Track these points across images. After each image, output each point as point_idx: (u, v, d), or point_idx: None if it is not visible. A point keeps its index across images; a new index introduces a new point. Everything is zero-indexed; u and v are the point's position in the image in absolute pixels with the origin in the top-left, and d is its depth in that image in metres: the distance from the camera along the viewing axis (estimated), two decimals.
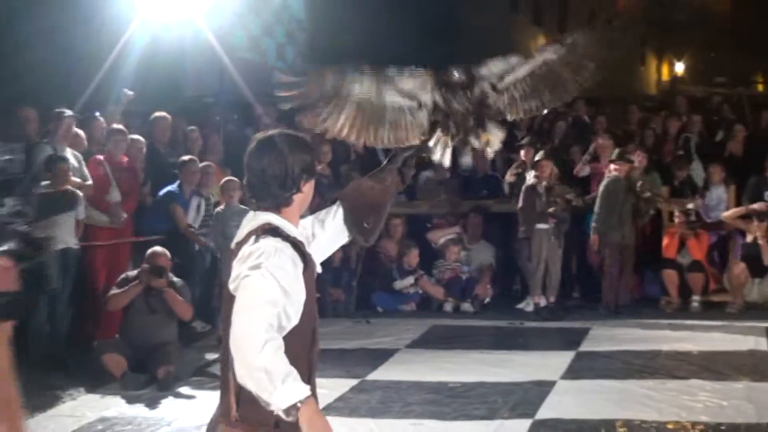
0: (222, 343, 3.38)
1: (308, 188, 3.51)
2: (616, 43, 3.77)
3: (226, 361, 3.29)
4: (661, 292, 11.92)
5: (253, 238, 3.35)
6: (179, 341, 9.25)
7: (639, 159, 12.19)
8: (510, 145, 13.57)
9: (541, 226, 11.48)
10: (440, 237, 12.22)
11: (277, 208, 3.45)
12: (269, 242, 3.32)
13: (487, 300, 12.09)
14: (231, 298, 3.31)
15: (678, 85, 38.66)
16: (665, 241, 11.88)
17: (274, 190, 3.42)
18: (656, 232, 12.20)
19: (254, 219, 3.46)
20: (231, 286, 3.32)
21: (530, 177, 11.63)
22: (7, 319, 2.01)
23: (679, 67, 42.72)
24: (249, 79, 14.03)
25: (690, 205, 11.69)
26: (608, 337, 10.28)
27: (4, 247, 2.09)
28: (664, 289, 11.86)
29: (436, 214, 12.79)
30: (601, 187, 11.70)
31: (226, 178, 10.73)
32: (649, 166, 12.32)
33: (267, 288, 3.23)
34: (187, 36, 14.50)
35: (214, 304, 10.53)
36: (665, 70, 45.11)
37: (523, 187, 11.66)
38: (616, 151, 11.80)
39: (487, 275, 12.17)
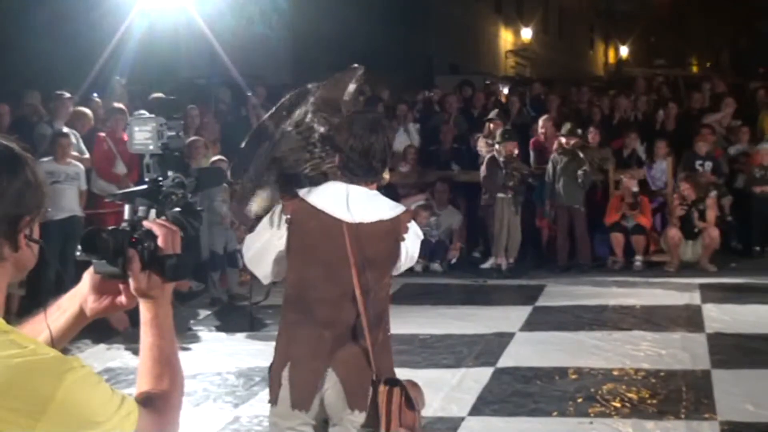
0: (365, 306, 3.42)
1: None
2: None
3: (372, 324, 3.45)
4: (608, 253, 11.98)
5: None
6: (175, 299, 9.19)
7: (592, 135, 12.25)
8: (474, 120, 13.65)
9: (502, 195, 11.50)
10: (411, 203, 12.21)
11: (371, 182, 3.54)
12: None
13: (454, 261, 12.10)
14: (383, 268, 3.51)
15: (623, 66, 38.73)
16: (609, 209, 11.94)
17: (376, 165, 3.49)
18: (605, 199, 12.23)
19: (356, 192, 3.48)
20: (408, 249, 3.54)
21: (497, 149, 11.61)
22: (173, 280, 2.00)
23: (624, 51, 42.80)
24: (238, 62, 13.92)
25: (635, 188, 11.73)
26: (561, 293, 10.33)
27: (172, 214, 2.09)
28: (610, 250, 11.92)
29: (407, 182, 12.77)
30: (552, 157, 11.78)
31: (217, 158, 10.57)
32: (601, 140, 12.36)
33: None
34: (181, 23, 14.38)
35: (206, 267, 10.46)
36: (611, 53, 45.18)
37: (486, 159, 11.64)
38: (567, 125, 11.85)
39: (457, 238, 12.19)
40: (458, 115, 13.85)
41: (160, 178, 2.17)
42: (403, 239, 3.50)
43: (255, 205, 3.69)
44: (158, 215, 2.10)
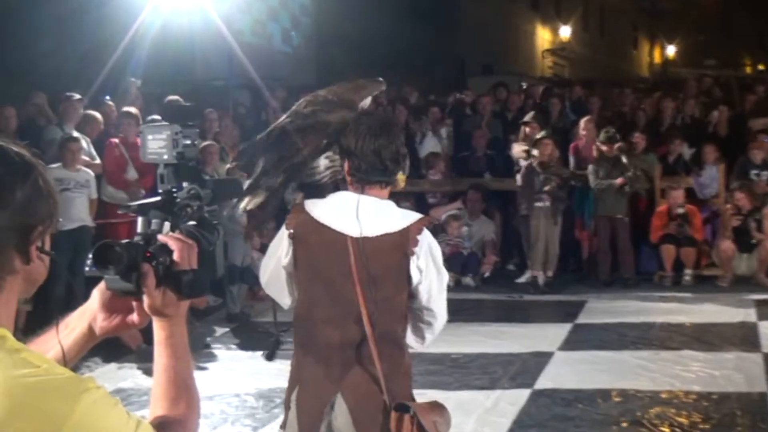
0: (372, 325, 3.36)
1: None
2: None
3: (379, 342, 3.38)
4: (656, 267, 11.89)
5: (424, 230, 3.46)
6: (190, 314, 9.21)
7: (637, 140, 12.20)
8: (510, 124, 13.61)
9: (539, 204, 11.45)
10: (442, 213, 12.18)
11: (384, 187, 3.49)
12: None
13: (487, 274, 12.06)
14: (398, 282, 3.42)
15: (669, 67, 38.53)
16: (654, 221, 11.85)
17: (389, 165, 3.46)
18: (651, 209, 12.15)
19: (366, 203, 3.43)
20: (422, 268, 3.44)
21: (533, 154, 11.58)
22: (189, 297, 2.00)
23: (670, 51, 42.55)
24: (257, 63, 13.99)
25: (680, 209, 11.66)
26: (604, 309, 10.26)
27: (187, 227, 2.09)
28: (658, 263, 11.84)
29: (437, 191, 12.76)
30: (590, 167, 11.78)
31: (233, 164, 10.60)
32: (647, 146, 12.29)
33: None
34: (197, 21, 14.46)
35: (224, 281, 10.49)
36: (657, 53, 44.98)
37: (522, 168, 11.61)
38: (604, 132, 11.79)
39: (490, 250, 12.15)
40: (492, 119, 13.82)
41: (175, 190, 2.16)
42: (412, 253, 3.39)
43: (244, 203, 3.70)
44: (173, 228, 2.09)
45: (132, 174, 10.25)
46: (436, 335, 3.65)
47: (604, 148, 11.68)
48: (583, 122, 12.57)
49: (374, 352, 3.34)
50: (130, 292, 1.99)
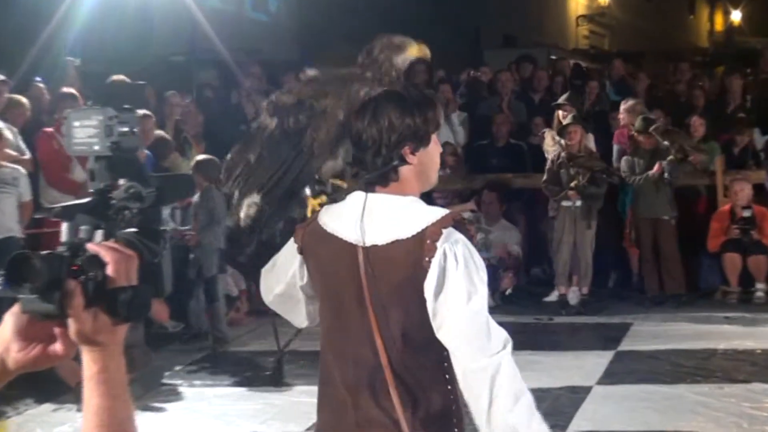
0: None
1: (421, 158, 3.43)
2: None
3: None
4: (718, 281, 11.88)
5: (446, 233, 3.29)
6: (146, 344, 9.23)
7: (695, 126, 12.21)
8: (537, 108, 13.63)
9: (567, 203, 11.47)
10: None
11: (384, 184, 3.41)
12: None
13: (509, 291, 12.06)
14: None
15: (734, 36, 38.54)
16: (713, 224, 11.82)
17: (372, 159, 3.40)
18: (711, 210, 12.14)
19: (375, 203, 3.39)
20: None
21: (561, 142, 11.64)
22: (129, 320, 1.99)
23: (736, 16, 42.49)
24: (225, 35, 13.99)
25: (746, 210, 11.64)
26: (653, 333, 10.28)
27: (125, 235, 2.08)
28: (721, 276, 11.83)
29: (447, 190, 12.75)
30: (623, 161, 11.93)
31: (201, 157, 10.57)
32: (707, 133, 12.30)
33: None
34: None
35: (189, 302, 10.50)
36: (719, 19, 44.96)
37: (549, 158, 11.66)
38: (640, 120, 11.78)
39: (512, 262, 12.15)
40: (515, 101, 13.84)
41: (109, 188, 2.14)
42: (428, 265, 3.25)
43: (242, 212, 3.80)
44: (107, 237, 2.07)
45: (79, 174, 10.22)
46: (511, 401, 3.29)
47: (640, 138, 11.72)
48: (625, 105, 12.53)
49: (394, 392, 3.29)
50: (51, 315, 1.97)
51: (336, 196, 3.79)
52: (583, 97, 13.75)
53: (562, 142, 11.56)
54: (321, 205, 3.77)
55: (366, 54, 4.00)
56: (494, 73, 14.98)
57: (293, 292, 3.58)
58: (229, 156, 4.07)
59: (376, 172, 3.39)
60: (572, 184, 11.40)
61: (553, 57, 20.26)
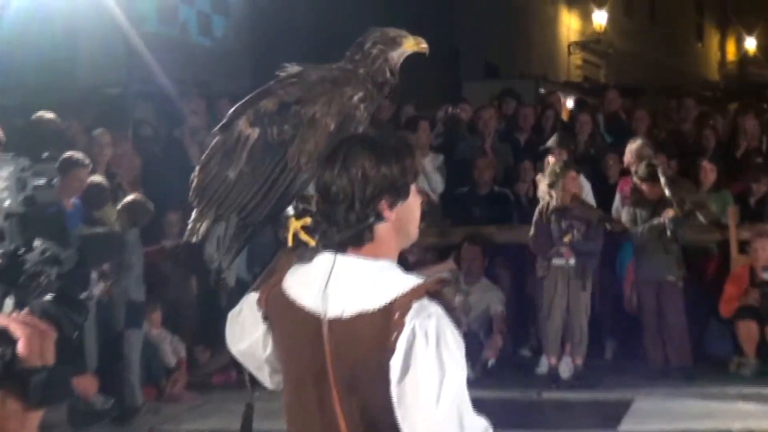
0: None
1: (400, 213, 3.44)
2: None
3: None
4: (731, 351, 11.90)
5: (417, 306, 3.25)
6: (69, 424, 9.16)
7: (704, 172, 12.25)
8: (523, 150, 13.66)
9: (558, 261, 11.48)
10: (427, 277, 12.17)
11: (358, 249, 3.40)
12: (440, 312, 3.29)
13: (492, 362, 12.04)
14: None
15: (749, 67, 38.91)
16: (728, 287, 11.84)
17: (346, 216, 3.38)
18: (724, 271, 12.17)
19: (343, 267, 3.36)
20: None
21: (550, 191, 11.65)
22: (40, 407, 1.95)
23: (750, 44, 42.90)
24: (166, 63, 13.98)
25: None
26: (657, 411, 10.29)
27: (40, 305, 2.04)
28: (735, 345, 11.84)
29: (420, 245, 12.75)
30: (623, 211, 11.97)
31: (130, 198, 10.55)
32: (718, 180, 12.35)
33: None
34: (81, 4, 14.45)
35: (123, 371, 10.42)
36: (731, 47, 45.35)
37: (537, 208, 11.68)
38: (643, 166, 11.82)
39: (496, 328, 12.13)
40: (499, 142, 13.87)
41: (22, 251, 2.12)
42: (394, 344, 3.22)
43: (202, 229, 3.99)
44: (18, 306, 2.05)
45: None
46: None
47: (644, 187, 11.74)
48: (633, 147, 12.50)
49: None
50: None
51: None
52: (573, 136, 13.76)
53: (553, 192, 11.56)
54: (304, 228, 3.82)
55: (357, 49, 4.05)
56: (475, 109, 14.97)
57: (257, 355, 3.62)
58: (197, 175, 4.06)
59: (348, 232, 3.38)
60: (565, 239, 11.42)
61: (542, 90, 20.38)
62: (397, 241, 3.45)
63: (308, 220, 3.88)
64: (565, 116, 16.41)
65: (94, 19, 14.63)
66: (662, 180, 11.62)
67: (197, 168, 4.09)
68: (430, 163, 13.44)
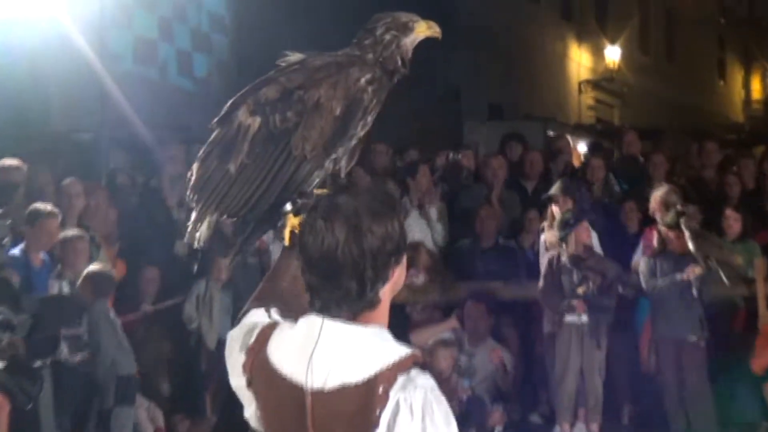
0: None
1: (399, 270, 3.49)
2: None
3: None
4: (759, 415, 11.89)
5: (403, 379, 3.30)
6: None
7: (728, 222, 12.26)
8: (530, 199, 13.68)
9: (571, 317, 11.48)
10: (429, 337, 12.19)
11: (356, 315, 3.42)
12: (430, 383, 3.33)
13: (499, 429, 12.03)
14: None
15: None
16: (759, 345, 11.85)
17: (347, 285, 3.38)
18: (751, 328, 12.17)
19: (330, 333, 3.38)
20: None
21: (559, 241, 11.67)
22: None
23: None
24: (143, 106, 14.00)
25: None
26: None
27: None
28: (763, 410, 11.83)
29: (421, 302, 12.77)
30: (642, 263, 11.93)
31: (93, 268, 10.47)
32: (744, 231, 12.39)
33: None
34: (47, 40, 14.46)
35: None
36: (756, 85, 45.24)
37: (546, 260, 11.70)
38: (671, 213, 11.80)
39: (502, 391, 12.13)
40: (506, 190, 13.80)
41: None
42: (377, 420, 3.26)
43: (200, 231, 4.01)
44: None
45: None
46: None
47: (670, 235, 11.72)
48: (659, 193, 12.48)
49: None
50: None
51: None
52: (588, 185, 13.76)
53: (556, 237, 11.60)
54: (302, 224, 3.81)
55: (367, 34, 4.12)
56: (482, 156, 14.94)
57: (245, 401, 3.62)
58: (196, 170, 4.11)
59: (357, 304, 3.40)
60: (579, 291, 11.42)
61: (551, 133, 20.35)
62: (389, 300, 3.48)
63: None
64: (576, 162, 16.41)
65: (64, 59, 14.58)
66: (686, 234, 11.59)
67: (195, 164, 4.14)
68: (434, 213, 13.42)
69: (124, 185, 13.46)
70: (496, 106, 26.04)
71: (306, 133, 3.94)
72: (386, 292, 3.44)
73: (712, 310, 11.89)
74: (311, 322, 3.43)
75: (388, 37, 4.09)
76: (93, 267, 10.55)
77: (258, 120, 3.99)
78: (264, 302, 3.76)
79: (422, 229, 13.14)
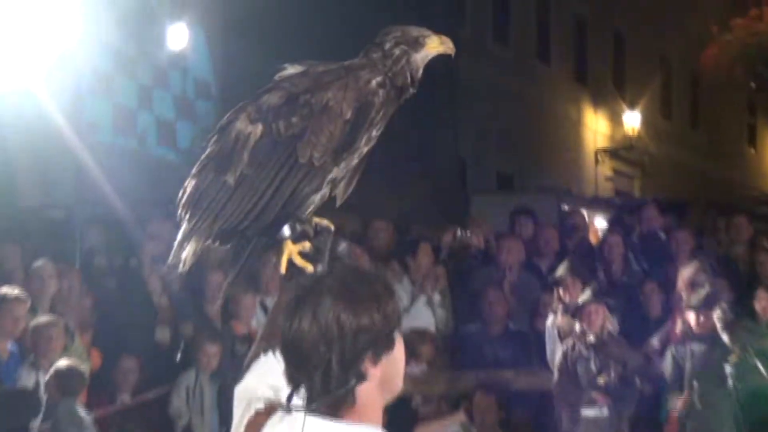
0: None
1: (385, 367, 3.46)
2: None
3: None
4: None
5: None
6: None
7: (762, 305, 12.25)
8: (546, 278, 13.70)
9: (590, 411, 11.46)
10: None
11: (337, 410, 3.41)
12: None
13: None
14: None
15: None
16: None
17: (314, 377, 3.38)
18: None
19: (317, 427, 3.38)
20: None
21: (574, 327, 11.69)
22: None
23: None
24: (122, 181, 14.04)
25: None
26: None
27: None
28: None
29: (425, 394, 12.77)
30: (674, 350, 11.86)
31: (61, 364, 10.40)
32: None
33: None
34: (19, 109, 14.52)
35: None
36: None
37: (561, 349, 11.70)
38: (701, 290, 11.79)
39: None
40: (519, 271, 13.76)
41: None
42: None
43: (186, 251, 4.04)
44: None
45: None
46: None
47: (698, 318, 11.72)
48: (685, 275, 12.48)
49: None
50: None
51: (321, 241, 3.91)
52: (606, 266, 13.79)
53: (577, 326, 11.60)
54: (302, 254, 3.87)
55: (376, 48, 4.15)
56: (485, 229, 14.93)
57: None
58: (187, 185, 4.14)
59: (324, 399, 3.38)
60: (600, 380, 11.41)
61: (565, 207, 20.36)
62: (381, 399, 3.47)
63: (307, 245, 3.94)
64: (593, 238, 16.44)
65: (36, 129, 14.68)
66: (719, 324, 11.55)
67: (187, 181, 4.16)
68: (438, 297, 13.43)
69: (101, 267, 13.43)
70: (506, 177, 26.08)
71: (314, 139, 3.95)
72: (368, 390, 3.42)
73: (746, 401, 11.85)
74: (293, 419, 3.42)
75: (397, 51, 4.11)
76: (62, 363, 10.45)
77: (260, 127, 4.02)
78: (270, 343, 3.77)
79: (425, 316, 13.13)
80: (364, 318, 3.34)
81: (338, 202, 4.20)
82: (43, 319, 10.69)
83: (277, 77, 4.15)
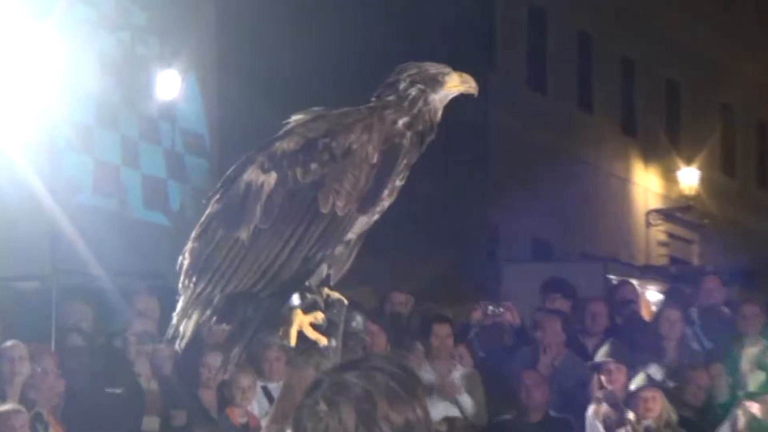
0: None
1: None
2: None
3: None
4: None
5: None
6: None
7: None
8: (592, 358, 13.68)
9: None
10: None
11: None
12: None
13: None
14: None
15: None
16: None
17: None
18: None
19: None
20: None
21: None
22: None
23: None
24: (103, 248, 14.08)
25: None
26: None
27: None
28: None
29: None
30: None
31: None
32: None
33: None
34: None
35: None
36: None
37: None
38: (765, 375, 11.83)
39: None
40: (563, 350, 13.72)
41: None
42: None
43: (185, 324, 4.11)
44: None
45: None
46: None
47: (756, 407, 11.69)
48: (750, 354, 12.47)
49: None
50: None
51: (335, 314, 3.90)
52: (658, 341, 13.76)
53: (629, 414, 11.61)
54: (313, 325, 3.90)
55: (389, 90, 4.18)
56: (533, 312, 14.84)
57: None
58: (191, 246, 4.18)
59: None
60: None
61: (612, 277, 20.32)
62: None
63: (320, 316, 3.96)
64: (645, 313, 16.42)
65: (7, 191, 14.74)
66: None
67: (188, 245, 4.21)
68: (459, 380, 13.34)
69: (80, 348, 13.44)
70: (543, 243, 26.07)
71: (337, 186, 3.99)
72: None
73: None
74: None
75: (413, 92, 4.11)
76: None
77: (274, 176, 4.06)
78: (281, 425, 3.79)
79: (450, 403, 13.07)
80: (409, 414, 3.35)
81: (332, 281, 4.19)
82: (7, 406, 10.68)
83: (287, 124, 4.17)
